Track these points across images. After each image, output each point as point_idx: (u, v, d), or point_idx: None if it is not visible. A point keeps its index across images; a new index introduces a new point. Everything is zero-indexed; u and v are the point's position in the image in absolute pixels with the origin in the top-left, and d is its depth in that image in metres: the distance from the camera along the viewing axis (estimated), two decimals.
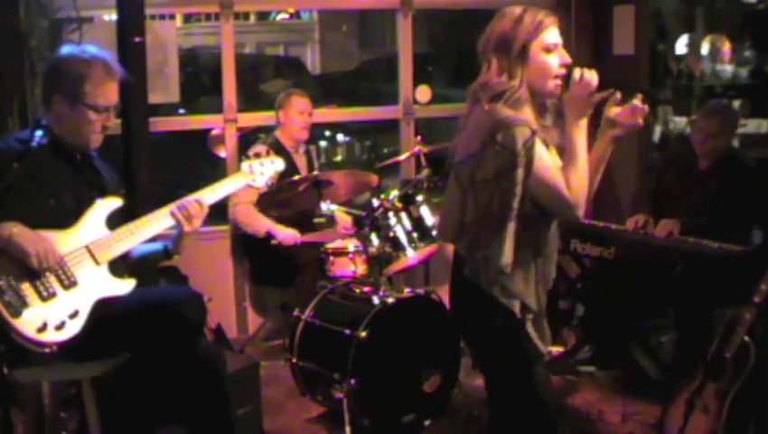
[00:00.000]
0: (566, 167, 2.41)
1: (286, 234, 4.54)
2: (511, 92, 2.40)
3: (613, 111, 2.47)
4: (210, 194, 2.94)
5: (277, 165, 3.15)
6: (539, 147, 2.38)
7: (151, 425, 3.05)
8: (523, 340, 2.49)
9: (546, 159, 2.39)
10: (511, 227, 2.36)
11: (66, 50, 2.91)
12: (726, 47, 7.75)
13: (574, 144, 2.41)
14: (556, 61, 2.44)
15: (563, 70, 2.43)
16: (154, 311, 2.83)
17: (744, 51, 8.24)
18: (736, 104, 7.63)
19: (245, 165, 3.11)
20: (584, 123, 2.43)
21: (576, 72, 2.39)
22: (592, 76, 2.39)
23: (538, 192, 2.39)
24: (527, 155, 2.33)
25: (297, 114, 4.77)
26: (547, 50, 2.43)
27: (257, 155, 3.17)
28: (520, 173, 2.33)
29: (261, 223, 4.59)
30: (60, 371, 2.74)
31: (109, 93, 2.82)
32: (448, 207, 2.54)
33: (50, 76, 2.87)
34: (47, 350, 2.62)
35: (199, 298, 2.98)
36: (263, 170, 3.10)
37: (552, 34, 2.44)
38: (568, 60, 2.45)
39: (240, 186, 3.12)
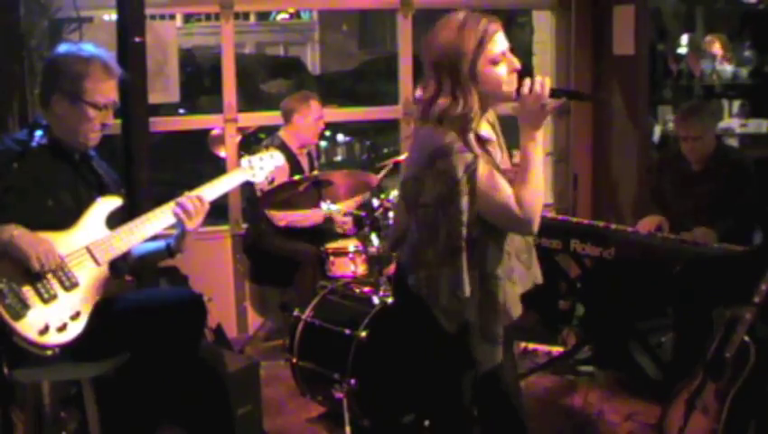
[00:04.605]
0: (518, 183, 2.34)
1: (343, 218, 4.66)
2: (459, 115, 2.32)
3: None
4: (209, 190, 2.92)
5: (277, 159, 3.12)
6: (483, 171, 2.31)
7: (151, 425, 3.04)
8: (458, 352, 2.46)
9: (490, 181, 2.32)
10: (465, 256, 2.34)
11: (63, 48, 2.88)
12: (717, 47, 7.75)
13: (527, 157, 2.33)
14: (504, 70, 2.35)
15: (513, 76, 2.35)
16: (154, 311, 2.82)
17: (744, 52, 8.23)
18: (736, 104, 7.63)
19: (244, 160, 3.09)
20: (539, 135, 2.34)
21: (526, 85, 2.30)
22: (543, 85, 2.29)
23: (489, 215, 2.34)
24: (469, 181, 2.29)
25: (315, 120, 4.73)
26: (494, 62, 2.34)
27: (255, 152, 3.16)
28: (465, 201, 2.30)
29: (311, 214, 4.59)
30: (61, 371, 2.73)
31: (108, 91, 2.82)
32: (397, 219, 2.52)
33: (48, 75, 2.85)
34: (49, 353, 2.61)
35: (199, 299, 2.97)
36: (262, 165, 3.08)
37: (497, 43, 2.34)
38: (517, 65, 2.36)
39: (240, 182, 3.11)
